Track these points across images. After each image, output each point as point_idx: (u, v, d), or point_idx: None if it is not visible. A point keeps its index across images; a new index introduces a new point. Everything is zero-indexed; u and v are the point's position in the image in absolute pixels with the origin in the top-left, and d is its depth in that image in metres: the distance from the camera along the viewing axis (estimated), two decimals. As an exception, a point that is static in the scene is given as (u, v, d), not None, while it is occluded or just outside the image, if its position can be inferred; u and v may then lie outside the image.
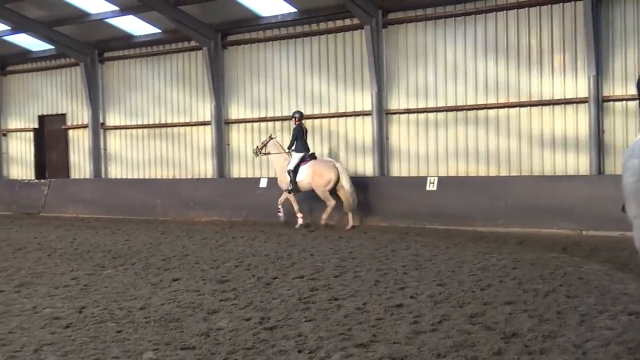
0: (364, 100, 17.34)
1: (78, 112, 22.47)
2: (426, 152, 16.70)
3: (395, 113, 17.03)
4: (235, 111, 19.37)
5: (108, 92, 21.77)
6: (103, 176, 21.86)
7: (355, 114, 17.51)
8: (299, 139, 15.99)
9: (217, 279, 9.12)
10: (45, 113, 23.37)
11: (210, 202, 18.39)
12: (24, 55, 23.30)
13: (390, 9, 16.79)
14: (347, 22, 17.37)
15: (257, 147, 16.86)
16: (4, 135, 24.34)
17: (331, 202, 15.48)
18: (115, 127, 21.66)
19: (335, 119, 17.85)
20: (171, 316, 7.01)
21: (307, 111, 18.05)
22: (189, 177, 20.10)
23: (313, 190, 15.73)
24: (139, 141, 21.22)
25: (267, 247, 12.48)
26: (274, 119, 18.68)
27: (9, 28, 21.26)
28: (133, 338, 6.21)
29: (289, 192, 16.01)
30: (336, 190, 15.50)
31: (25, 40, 22.31)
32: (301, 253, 11.51)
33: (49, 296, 8.22)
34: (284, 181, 16.11)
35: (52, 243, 13.73)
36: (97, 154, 21.81)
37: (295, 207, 16.09)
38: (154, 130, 20.87)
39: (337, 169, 15.42)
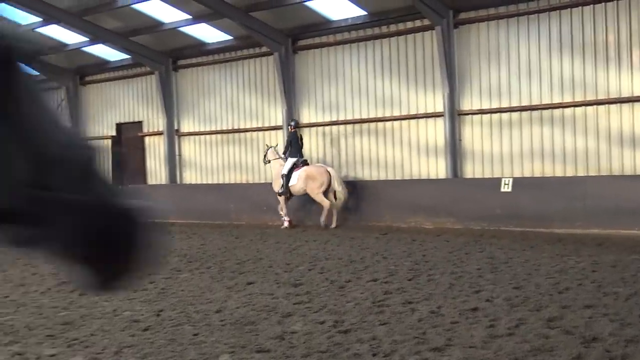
0: (436, 101, 17.17)
1: (154, 120, 22.97)
2: (500, 153, 16.42)
3: (467, 114, 16.81)
4: (306, 115, 19.46)
5: (182, 99, 22.19)
6: (178, 181, 22.28)
7: (427, 116, 17.35)
8: (294, 145, 17.30)
9: (290, 283, 9.17)
10: (122, 121, 23.98)
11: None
12: (102, 65, 23.97)
13: (461, 9, 16.59)
14: (418, 23, 17.24)
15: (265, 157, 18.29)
16: (84, 143, 25.05)
17: (326, 203, 16.44)
18: (190, 134, 22.05)
19: (407, 121, 17.72)
20: (246, 319, 7.08)
21: (378, 114, 18.00)
22: (261, 181, 20.27)
23: (307, 194, 16.82)
24: (213, 147, 21.54)
25: (339, 250, 12.49)
26: (345, 122, 18.69)
27: (88, 39, 21.91)
28: (209, 341, 6.29)
29: (280, 195, 17.13)
30: (329, 194, 16.47)
31: (103, 51, 22.95)
32: (374, 256, 11.47)
33: (128, 299, 8.40)
34: (278, 184, 17.25)
35: (130, 247, 14.02)
36: (172, 160, 22.24)
37: (284, 210, 17.25)
38: (227, 136, 21.16)
39: (329, 173, 16.40)
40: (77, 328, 6.98)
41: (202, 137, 21.79)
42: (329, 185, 16.25)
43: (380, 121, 17.95)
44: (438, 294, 8.05)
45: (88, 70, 24.57)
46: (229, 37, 20.36)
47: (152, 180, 23.22)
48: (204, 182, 21.66)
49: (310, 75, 19.29)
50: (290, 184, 16.84)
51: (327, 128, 19.07)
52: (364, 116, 18.33)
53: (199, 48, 21.27)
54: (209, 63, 21.39)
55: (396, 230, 15.36)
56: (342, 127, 18.80)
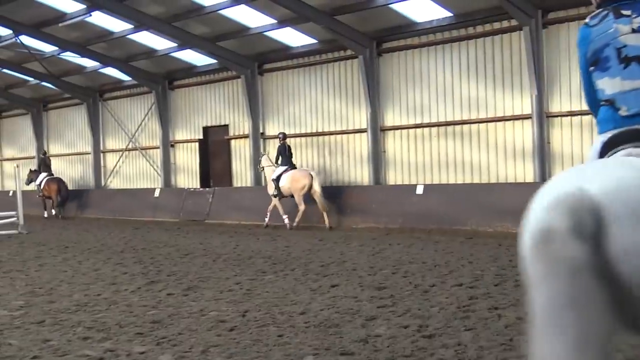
0: (523, 103, 16.81)
1: (239, 123, 23.33)
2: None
3: (556, 116, 16.38)
4: (390, 118, 19.39)
5: (267, 102, 22.46)
6: (263, 184, 22.52)
7: (514, 118, 17.01)
8: (283, 155, 19.28)
9: (374, 286, 9.13)
10: (209, 124, 24.46)
11: (367, 209, 18.48)
12: (189, 70, 24.53)
13: (550, 9, 16.18)
14: (505, 24, 16.93)
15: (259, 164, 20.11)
16: (172, 146, 25.71)
17: (302, 207, 18.31)
18: (274, 137, 22.27)
19: (493, 123, 17.42)
20: (330, 322, 7.08)
21: (463, 116, 17.76)
22: (345, 184, 20.31)
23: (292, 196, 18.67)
24: (297, 150, 21.66)
25: (424, 254, 12.37)
26: (429, 125, 18.53)
27: (176, 45, 22.47)
28: (294, 342, 6.33)
29: (274, 197, 19.00)
30: (311, 195, 18.22)
31: (191, 56, 23.50)
32: (459, 261, 11.31)
33: (215, 300, 8.55)
34: (271, 188, 19.09)
35: (216, 249, 14.31)
36: (258, 163, 22.50)
37: (281, 210, 18.92)
38: (311, 139, 21.29)
39: (311, 176, 18.20)
40: (166, 327, 7.14)
41: (287, 140, 21.96)
42: (311, 187, 18.15)
43: (466, 124, 17.70)
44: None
45: (176, 75, 25.17)
46: (313, 41, 20.49)
47: (237, 182, 23.58)
48: (289, 184, 21.85)
49: (394, 77, 19.21)
50: (280, 185, 18.77)
51: (412, 131, 18.95)
52: (449, 119, 18.12)
53: (283, 52, 21.49)
54: (294, 67, 21.57)
55: (482, 235, 15.12)
56: (426, 129, 18.64)
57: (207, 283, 9.89)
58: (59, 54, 24.72)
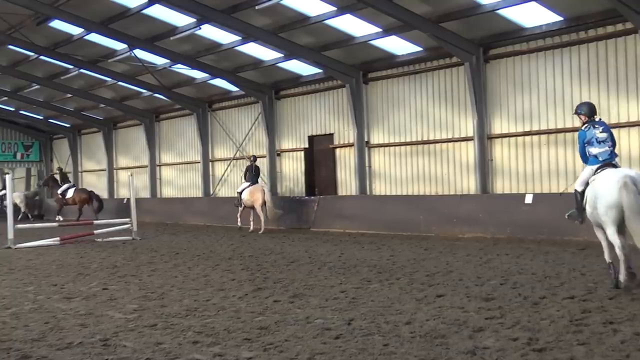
0: None
1: (344, 132, 23.42)
2: None
3: (675, 122, 15.60)
4: (498, 126, 18.98)
5: (372, 111, 22.45)
6: (368, 193, 22.54)
7: (630, 125, 16.25)
8: (250, 173, 23.00)
9: (482, 297, 8.95)
10: (314, 133, 24.67)
11: (474, 218, 18.16)
12: (295, 80, 24.85)
13: (669, 10, 15.46)
14: (619, 27, 16.27)
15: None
16: (278, 155, 26.08)
17: (262, 216, 21.94)
18: (379, 145, 22.25)
19: (607, 130, 16.75)
20: (436, 332, 6.99)
21: (575, 123, 17.06)
22: (451, 193, 20.04)
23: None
24: (402, 158, 21.59)
25: (533, 265, 12.02)
26: (539, 133, 18.01)
27: (282, 55, 22.82)
28: (399, 352, 6.27)
29: (237, 207, 23.24)
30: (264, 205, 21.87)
31: (296, 66, 23.81)
32: (571, 272, 10.93)
33: (320, 307, 8.59)
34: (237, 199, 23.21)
35: (321, 257, 14.39)
36: (362, 172, 22.54)
37: (241, 217, 23.29)
38: (417, 147, 21.12)
39: (263, 191, 22.04)
40: (272, 333, 7.23)
41: (392, 148, 21.90)
42: (263, 199, 21.84)
43: (578, 131, 17.08)
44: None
45: (282, 85, 25.54)
46: (419, 49, 20.35)
47: (342, 191, 23.66)
48: (394, 193, 21.74)
49: (502, 84, 18.81)
50: (242, 197, 22.65)
51: (520, 139, 18.48)
52: (560, 126, 17.56)
53: (388, 60, 21.45)
54: (399, 75, 21.48)
55: (595, 246, 14.49)
56: (535, 137, 18.13)
57: (312, 291, 9.96)
58: (170, 67, 25.58)
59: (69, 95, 32.28)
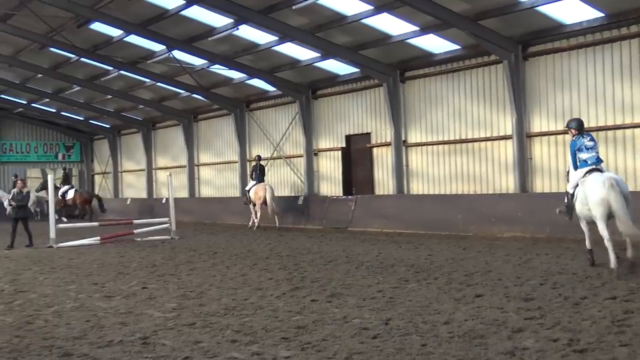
0: (683, 106, 15.80)
1: (381, 131, 23.36)
2: None
3: None
4: (537, 124, 18.76)
5: (409, 110, 22.35)
6: (405, 192, 22.44)
7: (673, 122, 15.99)
8: (256, 172, 24.92)
9: (521, 297, 8.85)
10: (351, 133, 24.65)
11: (513, 217, 17.97)
12: (332, 79, 24.85)
13: None
14: (662, 22, 15.99)
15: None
16: (315, 154, 26.11)
17: (258, 213, 24.11)
18: (417, 144, 22.14)
19: (650, 128, 16.48)
20: (475, 332, 6.93)
21: (617, 121, 16.92)
22: (489, 192, 19.85)
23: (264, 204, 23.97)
24: (440, 157, 21.45)
25: (574, 265, 11.86)
26: (579, 131, 17.74)
27: (319, 55, 22.84)
28: (437, 352, 6.24)
29: (246, 204, 25.24)
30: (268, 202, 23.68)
31: (333, 65, 23.81)
32: (612, 273, 10.75)
33: (357, 307, 8.58)
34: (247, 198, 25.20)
35: (359, 256, 14.37)
36: (400, 171, 22.45)
37: (253, 214, 24.49)
38: (454, 146, 20.97)
39: (265, 189, 23.77)
40: (310, 332, 7.24)
41: (430, 147, 21.78)
42: (265, 197, 23.67)
43: (620, 129, 16.84)
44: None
45: (319, 85, 25.56)
46: (456, 47, 20.21)
47: (379, 190, 23.60)
48: (431, 192, 21.62)
49: (541, 82, 18.58)
50: (250, 195, 24.56)
51: (560, 137, 18.22)
52: (601, 124, 17.29)
53: (426, 59, 21.34)
54: (436, 73, 21.36)
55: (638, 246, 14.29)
56: (576, 135, 17.86)
57: (350, 290, 9.95)
58: (208, 67, 25.77)
59: (109, 97, 32.73)
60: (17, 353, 6.81)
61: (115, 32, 23.92)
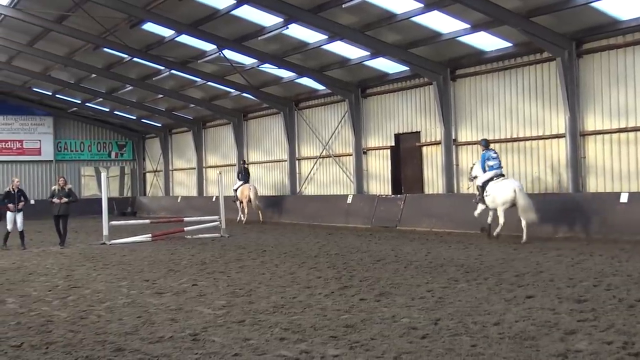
0: None
1: (431, 130, 23.19)
2: None
3: None
4: (591, 122, 18.38)
5: (460, 108, 22.14)
6: (455, 191, 22.24)
7: None
8: (242, 174, 29.18)
9: (574, 298, 8.69)
10: (400, 131, 24.53)
11: (565, 217, 17.64)
12: (381, 78, 24.76)
13: None
14: None
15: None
16: (364, 153, 26.05)
17: (245, 211, 28.24)
18: (467, 143, 21.92)
19: None
20: (526, 334, 6.83)
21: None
22: (542, 191, 19.54)
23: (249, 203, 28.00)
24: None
25: (629, 266, 11.60)
26: (635, 129, 17.33)
27: (368, 53, 22.78)
28: (488, 353, 6.16)
29: (234, 202, 28.44)
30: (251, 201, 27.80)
31: (382, 64, 23.72)
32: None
33: (406, 306, 8.53)
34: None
35: (408, 255, 14.30)
36: (450, 170, 22.25)
37: (240, 212, 28.41)
38: (505, 145, 20.68)
39: (250, 189, 27.87)
40: (358, 331, 7.23)
41: (477, 147, 21.50)
42: (249, 196, 27.68)
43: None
44: None
45: (369, 83, 25.49)
46: (508, 44, 19.94)
47: (429, 189, 23.43)
48: (481, 191, 21.35)
49: (596, 79, 18.20)
50: (237, 194, 28.51)
51: (615, 135, 17.83)
52: (659, 121, 16.88)
53: (477, 57, 21.11)
54: (487, 71, 21.11)
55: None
56: (631, 134, 17.46)
57: (398, 289, 9.90)
58: (258, 66, 25.92)
59: (161, 96, 33.19)
60: (71, 347, 6.95)
61: (167, 32, 24.23)
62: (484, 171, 17.49)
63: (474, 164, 18.46)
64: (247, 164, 30.66)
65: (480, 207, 17.67)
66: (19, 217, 18.87)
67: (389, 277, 11.15)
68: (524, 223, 16.28)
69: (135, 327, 7.81)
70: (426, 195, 23.04)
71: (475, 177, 18.00)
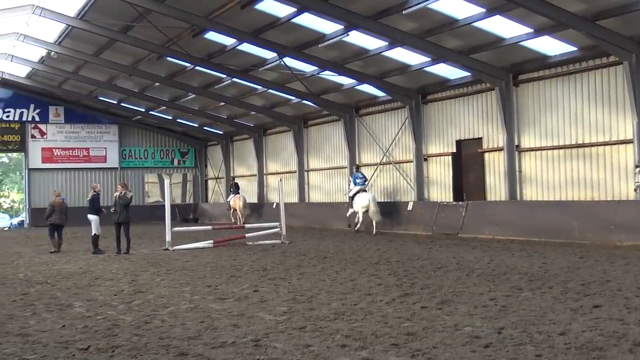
0: None
1: (493, 136, 22.89)
2: None
3: None
4: (660, 127, 17.87)
5: (522, 114, 21.80)
6: (518, 198, 21.89)
7: None
8: (233, 188, 34.46)
9: (643, 309, 8.44)
10: (462, 138, 24.28)
11: (633, 225, 17.17)
12: (442, 84, 24.57)
13: None
14: None
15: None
16: (425, 159, 25.88)
17: (242, 219, 32.63)
18: (530, 149, 21.56)
19: None
20: (593, 344, 6.66)
21: None
22: (608, 198, 19.07)
23: (236, 211, 33.15)
24: (554, 162, 20.80)
25: (701, 276, 11.22)
26: None
27: (429, 59, 22.63)
28: (553, 364, 6.03)
29: (228, 210, 34.66)
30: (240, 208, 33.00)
31: (444, 70, 23.53)
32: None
33: (469, 315, 8.42)
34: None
35: (470, 263, 14.12)
36: (512, 176, 21.91)
37: (233, 219, 33.57)
38: (570, 151, 20.28)
39: (240, 199, 33.23)
40: (420, 339, 7.16)
41: (544, 152, 21.16)
42: (239, 205, 32.96)
43: None
44: None
45: (429, 89, 25.33)
46: (573, 48, 19.56)
47: (491, 196, 23.12)
48: (545, 198, 20.99)
49: (665, 83, 17.70)
50: (230, 203, 33.97)
51: (685, 141, 17.31)
52: None
53: (540, 61, 20.76)
54: (551, 76, 20.74)
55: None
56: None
57: (461, 297, 9.78)
58: (318, 73, 26.03)
59: (222, 104, 33.64)
60: (136, 351, 7.07)
61: (228, 41, 24.55)
62: (355, 184, 25.91)
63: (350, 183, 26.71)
64: (235, 178, 37.03)
65: (350, 210, 25.76)
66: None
67: (450, 285, 11.03)
68: (374, 222, 24.39)
69: (198, 332, 7.90)
70: (488, 202, 22.73)
71: (351, 190, 26.01)
